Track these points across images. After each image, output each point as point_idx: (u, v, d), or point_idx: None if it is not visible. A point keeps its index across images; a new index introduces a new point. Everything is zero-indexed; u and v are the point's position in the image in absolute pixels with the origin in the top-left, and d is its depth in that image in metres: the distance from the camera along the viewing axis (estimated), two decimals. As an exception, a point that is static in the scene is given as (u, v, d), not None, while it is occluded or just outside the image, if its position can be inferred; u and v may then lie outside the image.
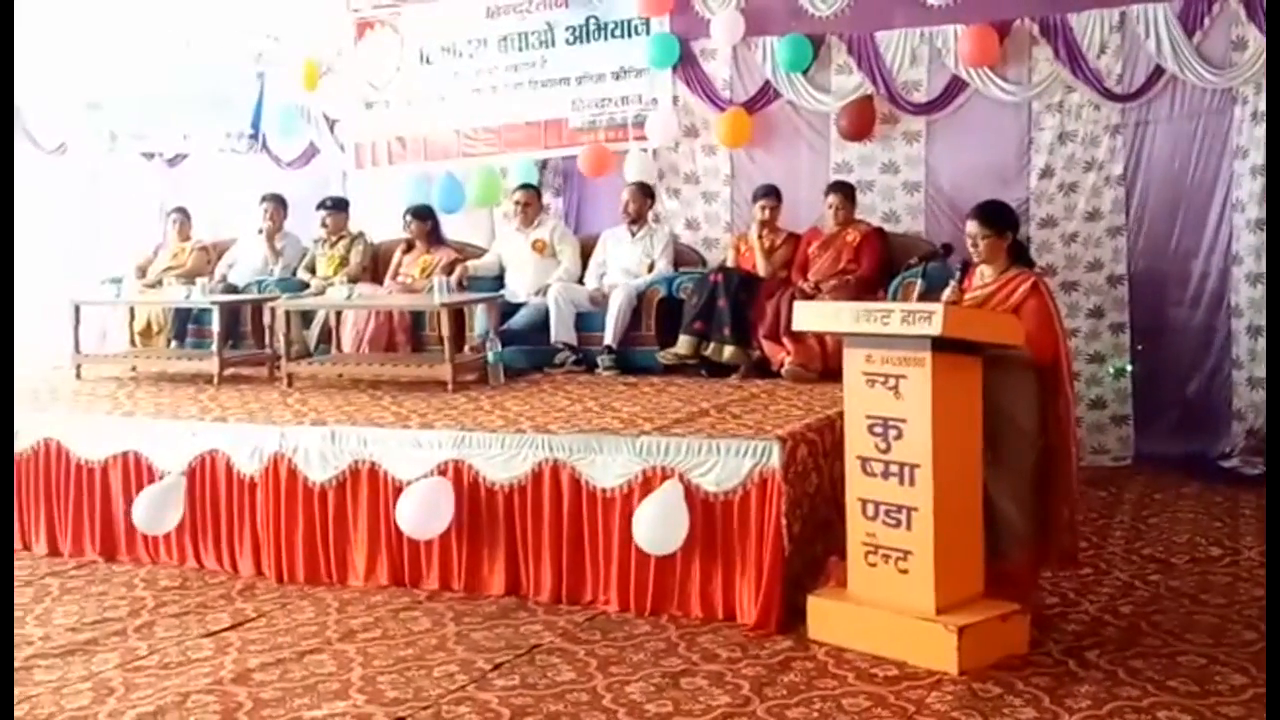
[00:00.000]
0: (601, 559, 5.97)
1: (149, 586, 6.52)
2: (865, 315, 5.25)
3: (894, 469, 5.18)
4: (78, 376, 8.77)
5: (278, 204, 10.31)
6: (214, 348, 8.56)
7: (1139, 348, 8.46)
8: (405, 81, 10.79)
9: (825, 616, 5.36)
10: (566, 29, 10.08)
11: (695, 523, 5.70)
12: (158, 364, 9.18)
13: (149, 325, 9.98)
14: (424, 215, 9.68)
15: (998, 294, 5.47)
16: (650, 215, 9.48)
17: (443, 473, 6.24)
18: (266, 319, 9.04)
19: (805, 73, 9.22)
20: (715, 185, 9.76)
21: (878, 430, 5.22)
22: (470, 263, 9.49)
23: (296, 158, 11.39)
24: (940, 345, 5.03)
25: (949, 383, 5.10)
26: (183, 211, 10.72)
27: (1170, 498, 7.65)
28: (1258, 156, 7.96)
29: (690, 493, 5.73)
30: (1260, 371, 7.94)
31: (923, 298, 6.29)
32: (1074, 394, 5.62)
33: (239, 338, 9.50)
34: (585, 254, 9.46)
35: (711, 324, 8.20)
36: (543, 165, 10.41)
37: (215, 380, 8.34)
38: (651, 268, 9.12)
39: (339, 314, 9.09)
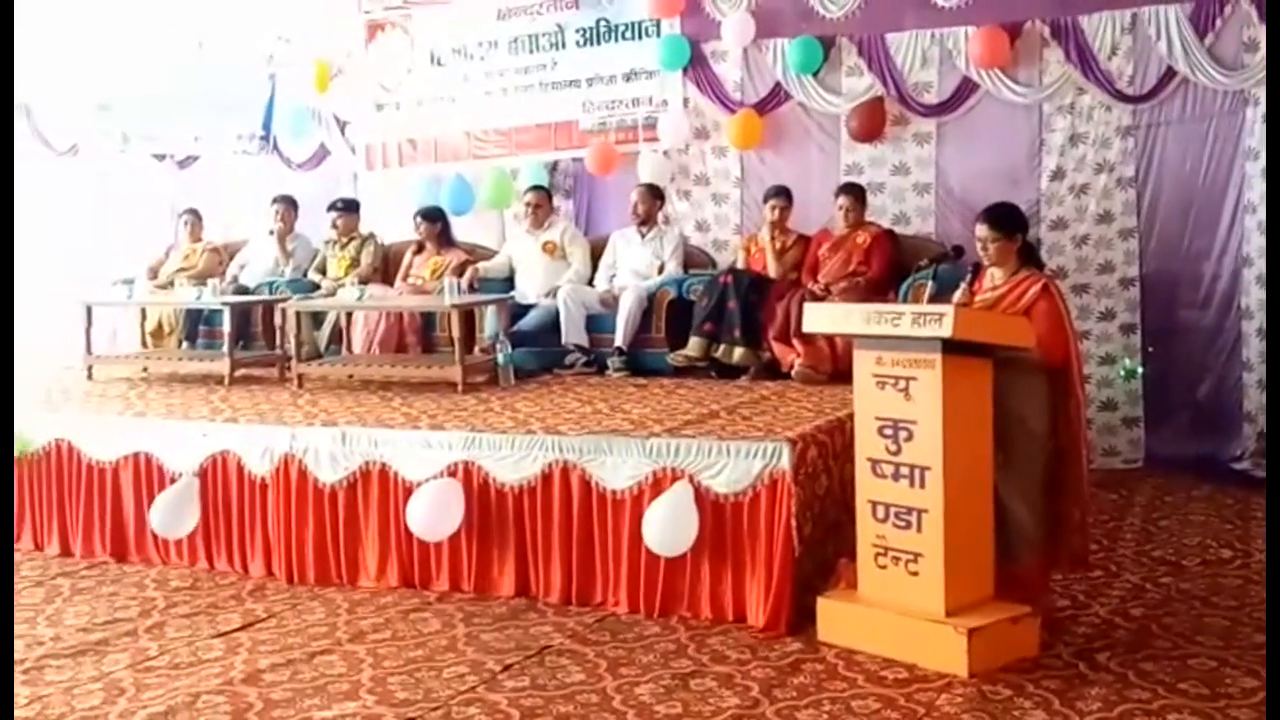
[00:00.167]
0: (611, 560, 5.97)
1: (160, 587, 6.54)
2: (875, 317, 5.25)
3: (904, 471, 5.18)
4: (89, 377, 8.81)
5: (289, 205, 10.33)
6: (225, 349, 8.58)
7: (1150, 350, 8.43)
8: (416, 83, 10.80)
9: (835, 618, 5.36)
10: (577, 31, 10.09)
11: (705, 524, 5.70)
12: (169, 365, 9.21)
13: (160, 326, 10.01)
14: (434, 217, 9.69)
15: (1008, 296, 5.47)
16: (660, 217, 9.49)
17: (453, 474, 6.25)
18: (277, 320, 9.07)
19: (816, 74, 9.21)
20: (725, 187, 9.75)
21: (888, 432, 5.22)
22: (480, 264, 9.49)
23: (307, 159, 11.41)
24: (951, 347, 5.03)
25: (959, 385, 5.09)
26: (194, 213, 10.73)
27: (1181, 500, 7.64)
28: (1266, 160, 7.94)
29: (700, 494, 5.74)
30: (1272, 374, 7.93)
31: (933, 300, 6.30)
32: (1085, 396, 5.61)
33: (250, 339, 9.53)
34: (595, 256, 9.47)
35: (721, 326, 8.20)
36: (553, 167, 10.41)
37: (226, 381, 8.37)
38: (661, 269, 9.12)
39: (350, 315, 9.11)
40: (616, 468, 5.95)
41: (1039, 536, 5.43)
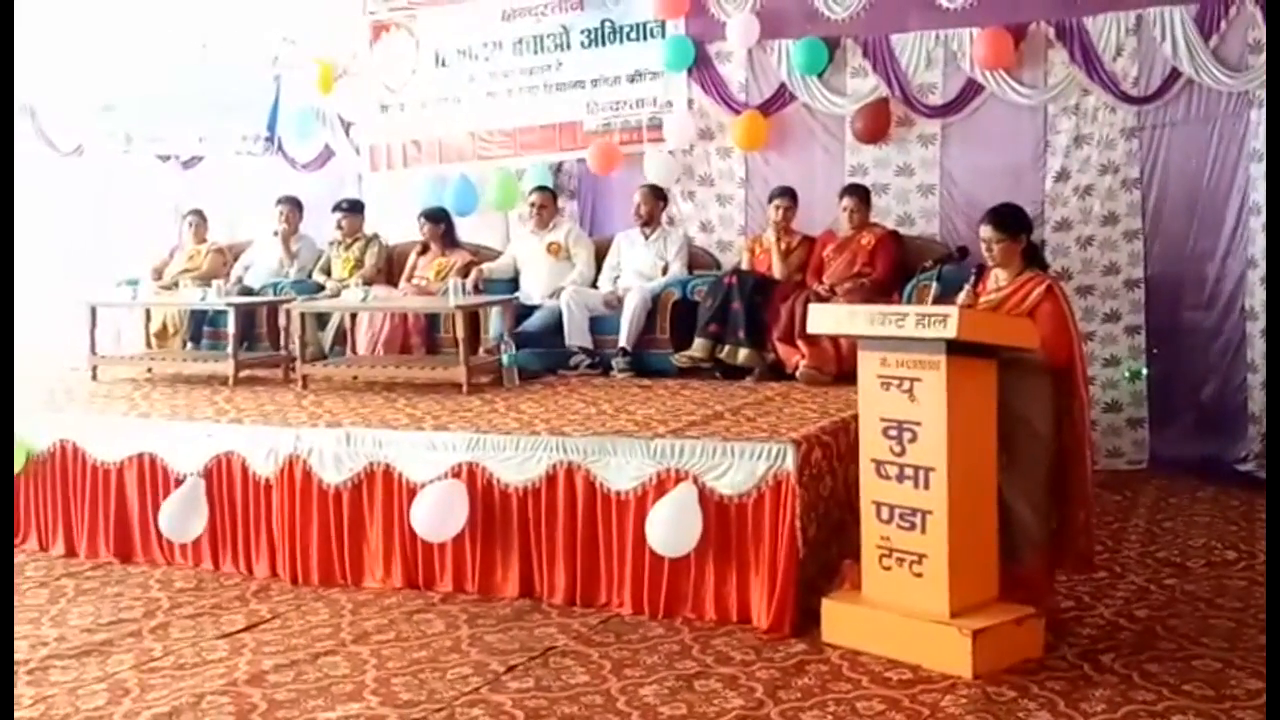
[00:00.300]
0: (616, 561, 5.97)
1: (164, 588, 6.54)
2: (880, 318, 5.25)
3: (908, 472, 5.17)
4: (94, 378, 8.80)
5: (293, 206, 10.33)
6: (229, 350, 8.58)
7: (1155, 351, 8.43)
8: (420, 84, 10.80)
9: (839, 620, 5.36)
10: (582, 32, 10.09)
11: (709, 525, 5.70)
12: (173, 366, 9.21)
13: (165, 327, 10.01)
14: (437, 218, 9.69)
15: (1012, 297, 5.47)
16: (664, 218, 9.50)
17: (457, 475, 6.25)
18: (282, 321, 9.07)
19: (820, 75, 9.21)
20: (730, 188, 9.75)
21: (892, 433, 5.22)
22: (485, 265, 9.50)
23: (312, 160, 11.41)
24: (955, 348, 5.03)
25: (964, 386, 5.09)
26: (198, 214, 10.74)
27: (1186, 501, 7.64)
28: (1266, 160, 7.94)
29: (704, 495, 5.73)
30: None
31: (937, 301, 6.29)
32: (1089, 397, 5.61)
33: (254, 340, 9.51)
34: (600, 257, 9.47)
35: (726, 327, 8.21)
36: (557, 168, 10.41)
37: (231, 382, 8.37)
38: (666, 270, 9.13)
39: (354, 316, 9.11)
40: (621, 469, 5.95)
41: (1043, 538, 5.43)
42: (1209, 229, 8.26)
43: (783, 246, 8.61)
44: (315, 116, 11.23)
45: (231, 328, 8.60)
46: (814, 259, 8.52)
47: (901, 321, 5.15)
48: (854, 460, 5.58)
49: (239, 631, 5.78)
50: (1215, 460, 8.17)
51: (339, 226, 10.01)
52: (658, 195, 9.39)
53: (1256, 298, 8.04)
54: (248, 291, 9.69)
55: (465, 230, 10.07)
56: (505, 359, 8.08)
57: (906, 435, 5.18)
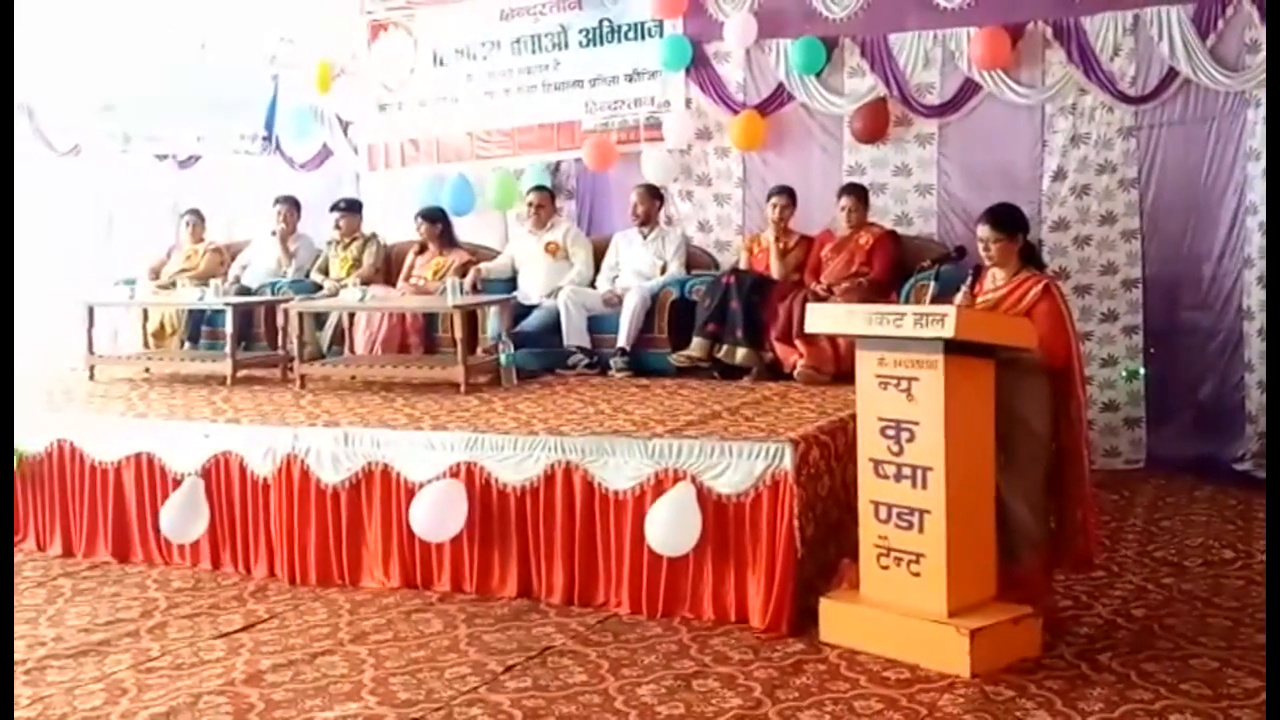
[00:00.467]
0: (614, 561, 5.97)
1: (162, 587, 6.54)
2: (878, 318, 5.25)
3: (906, 471, 5.18)
4: (91, 378, 8.81)
5: (291, 206, 10.33)
6: (227, 349, 8.59)
7: (1152, 351, 8.43)
8: (419, 84, 10.81)
9: (837, 619, 5.37)
10: (580, 31, 10.09)
11: (707, 525, 5.70)
12: (171, 365, 9.22)
13: (162, 327, 10.02)
14: (434, 218, 9.69)
15: (1009, 297, 5.47)
16: (662, 217, 9.50)
17: (455, 474, 6.25)
18: (280, 321, 9.07)
19: (818, 75, 9.21)
20: (728, 188, 9.75)
21: (890, 433, 5.22)
22: (483, 265, 9.49)
23: (310, 160, 11.41)
24: (953, 348, 5.04)
25: (961, 385, 5.10)
26: (196, 213, 10.73)
27: (1183, 501, 7.64)
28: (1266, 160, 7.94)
29: (702, 495, 5.73)
30: (1274, 374, 7.93)
31: (935, 300, 6.29)
32: (1086, 397, 5.62)
33: (252, 339, 9.52)
34: (598, 256, 9.47)
35: (724, 326, 8.21)
36: (555, 168, 10.42)
37: (228, 382, 8.38)
38: (664, 270, 9.13)
39: (352, 316, 9.12)
40: (619, 468, 5.95)
41: (1041, 537, 5.43)
42: (1206, 228, 8.26)
43: (781, 246, 8.61)
44: (313, 116, 11.24)
45: (229, 327, 8.59)
46: (812, 259, 8.53)
47: (899, 321, 5.15)
48: (852, 460, 5.59)
49: (236, 631, 5.78)
50: (1212, 459, 8.17)
51: (337, 226, 10.01)
52: (654, 195, 9.39)
53: (1253, 297, 8.05)
54: (245, 291, 9.68)
55: (464, 230, 10.07)
56: (503, 359, 8.08)
57: (904, 435, 5.18)
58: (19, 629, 5.73)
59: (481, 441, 6.26)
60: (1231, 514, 7.28)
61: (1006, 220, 5.58)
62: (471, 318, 8.46)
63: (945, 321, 4.97)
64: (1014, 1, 8.59)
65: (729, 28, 9.42)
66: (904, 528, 5.19)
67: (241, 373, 8.54)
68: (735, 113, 9.52)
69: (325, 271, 9.97)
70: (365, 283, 9.32)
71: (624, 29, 9.93)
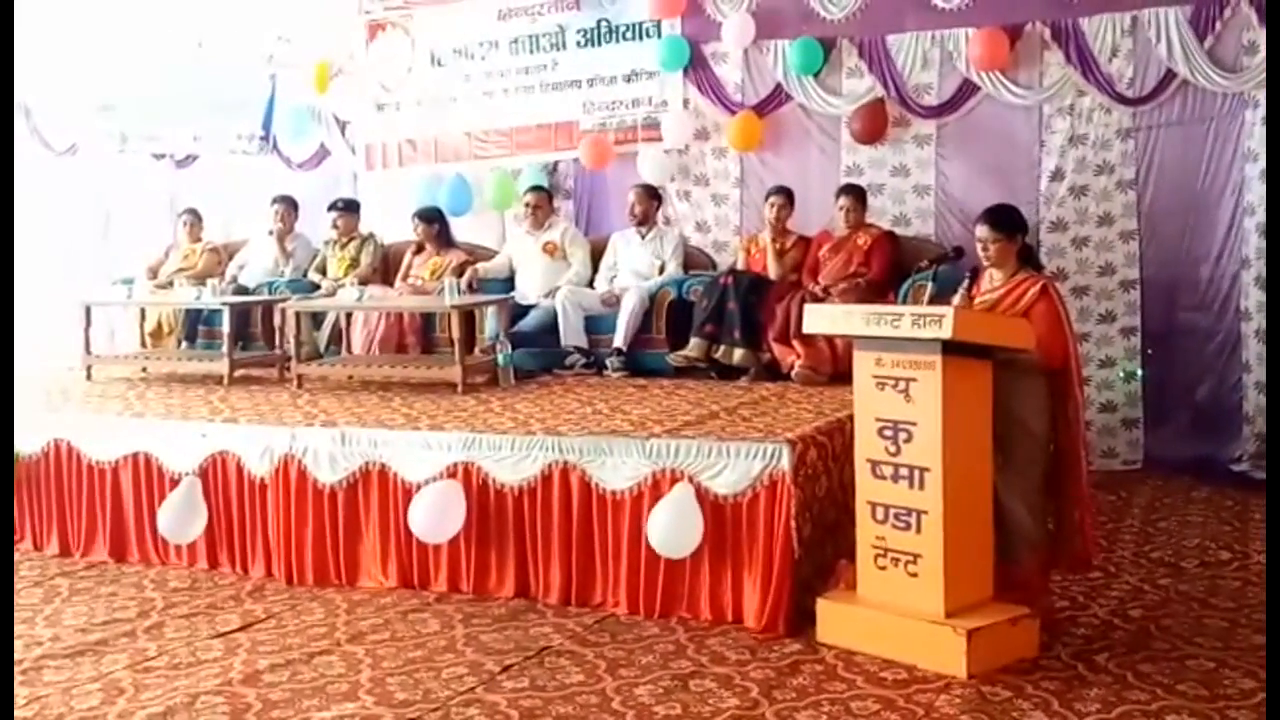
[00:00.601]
0: (611, 561, 5.97)
1: (159, 587, 6.54)
2: (875, 318, 5.25)
3: (904, 472, 5.18)
4: (88, 378, 8.80)
5: (289, 205, 10.34)
6: (224, 349, 8.58)
7: (1150, 352, 8.43)
8: (416, 83, 10.80)
9: (834, 619, 5.37)
10: (578, 31, 10.09)
11: (705, 525, 5.70)
12: (168, 365, 9.22)
13: (159, 326, 10.02)
14: (430, 218, 9.69)
15: (1007, 298, 5.47)
16: (660, 217, 9.50)
17: (452, 475, 6.25)
18: (277, 320, 9.07)
19: (816, 76, 9.21)
20: (725, 188, 9.75)
21: (888, 433, 5.23)
22: (480, 265, 9.49)
23: (307, 159, 11.41)
24: (950, 349, 5.03)
25: (959, 386, 5.10)
26: (194, 213, 10.74)
27: (1180, 502, 7.64)
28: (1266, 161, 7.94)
29: (700, 495, 5.73)
30: (1271, 376, 7.93)
31: (933, 301, 6.30)
32: (1084, 398, 5.62)
33: (249, 339, 9.52)
34: (596, 256, 9.47)
35: (722, 326, 8.21)
36: (553, 168, 10.42)
37: (226, 381, 8.37)
38: (662, 270, 9.13)
39: (349, 315, 9.12)
40: (616, 468, 5.95)
41: (1038, 538, 5.44)
42: (1204, 230, 8.26)
43: (778, 246, 8.61)
44: (311, 115, 11.24)
45: (226, 327, 8.58)
46: (810, 259, 8.53)
47: (897, 322, 5.15)
48: (849, 460, 5.59)
49: (234, 631, 5.78)
50: (1210, 460, 8.18)
51: (334, 226, 10.01)
52: (652, 195, 9.39)
53: (1251, 299, 8.05)
54: (243, 291, 9.68)
55: (461, 230, 10.07)
56: (501, 359, 8.08)
57: (902, 435, 5.18)
58: (17, 629, 5.73)
59: (479, 441, 6.26)
60: (1229, 515, 7.28)
61: (1005, 220, 5.59)
62: (469, 318, 8.46)
63: (943, 322, 4.97)
64: (1012, 2, 8.59)
65: (727, 28, 9.42)
66: (901, 528, 5.19)
67: (239, 372, 8.53)
68: (733, 113, 9.52)
69: (323, 271, 9.96)
70: (363, 282, 9.30)
71: (622, 29, 9.93)
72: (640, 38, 9.84)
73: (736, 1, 9.42)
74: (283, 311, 8.72)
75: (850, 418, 5.66)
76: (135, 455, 7.00)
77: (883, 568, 5.26)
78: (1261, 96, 7.93)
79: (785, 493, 5.57)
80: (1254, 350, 8.04)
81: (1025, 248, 5.66)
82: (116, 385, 8.55)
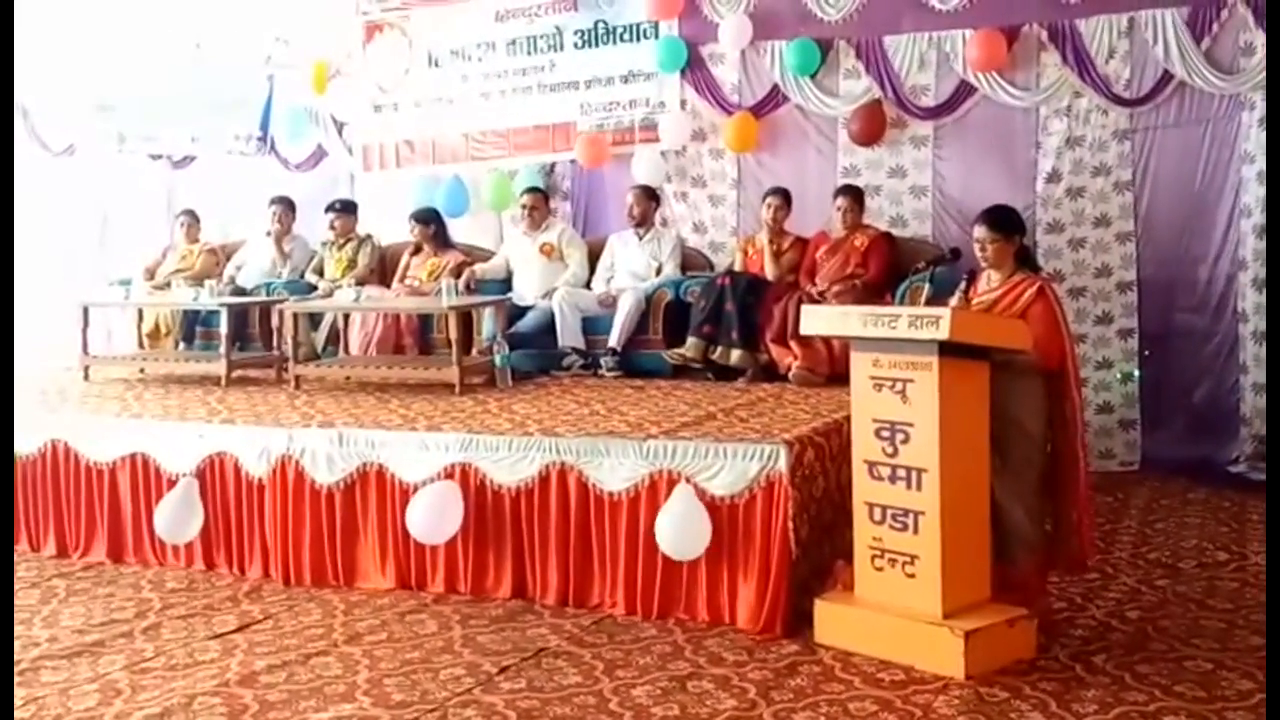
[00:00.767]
0: (608, 562, 5.97)
1: (156, 588, 6.53)
2: (873, 319, 5.25)
3: (901, 473, 5.18)
4: (86, 378, 8.79)
5: (286, 206, 10.34)
6: (222, 350, 8.58)
7: (1147, 353, 8.44)
8: (414, 84, 10.81)
9: (832, 620, 5.36)
10: (575, 33, 10.09)
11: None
12: (166, 366, 9.21)
13: (157, 327, 10.02)
14: (426, 219, 9.68)
15: (1004, 299, 5.47)
16: (657, 219, 9.50)
17: (450, 475, 6.24)
18: (274, 321, 9.05)
19: (813, 77, 9.21)
20: (722, 189, 9.75)
21: (885, 434, 5.23)
22: (478, 266, 9.49)
23: (305, 160, 11.41)
24: (948, 350, 5.04)
25: (956, 387, 5.10)
26: (191, 214, 10.74)
27: (1177, 503, 7.64)
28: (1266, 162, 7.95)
29: (697, 496, 5.73)
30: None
31: (930, 302, 6.29)
32: (1081, 399, 5.61)
33: (247, 340, 9.52)
34: (593, 257, 9.47)
35: (719, 327, 8.21)
36: (550, 169, 10.42)
37: (223, 382, 8.38)
38: (659, 271, 9.13)
39: (347, 316, 9.12)
40: (614, 469, 5.95)
41: (1036, 539, 5.43)
42: (1201, 231, 8.27)
43: (775, 248, 8.61)
44: (308, 116, 11.24)
45: (224, 328, 8.59)
46: (807, 260, 8.53)
47: (894, 323, 5.15)
48: (846, 461, 5.58)
49: (231, 632, 5.77)
50: (1207, 462, 8.18)
51: (332, 227, 10.00)
52: (650, 196, 9.39)
53: (1248, 300, 8.06)
54: (240, 292, 9.67)
55: (459, 231, 10.08)
56: (498, 360, 8.08)
57: (899, 436, 5.18)
58: (14, 629, 5.72)
59: (476, 442, 6.26)
60: (1226, 516, 7.28)
61: (1003, 221, 5.59)
62: (466, 319, 8.46)
63: (940, 323, 4.97)
64: (1009, 4, 8.60)
65: (724, 29, 9.42)
66: (899, 529, 5.19)
67: (236, 373, 8.53)
68: (730, 114, 9.52)
69: (320, 272, 9.96)
70: (360, 283, 9.30)
71: (619, 30, 9.93)
72: (637, 39, 9.85)
73: (734, 3, 9.43)
74: (280, 312, 8.71)
75: (847, 419, 5.66)
76: (133, 456, 6.99)
77: (880, 569, 5.27)
78: (1258, 98, 7.95)
79: (782, 494, 5.57)
80: (1251, 352, 8.05)
81: (1023, 249, 5.66)
82: (114, 386, 8.55)
